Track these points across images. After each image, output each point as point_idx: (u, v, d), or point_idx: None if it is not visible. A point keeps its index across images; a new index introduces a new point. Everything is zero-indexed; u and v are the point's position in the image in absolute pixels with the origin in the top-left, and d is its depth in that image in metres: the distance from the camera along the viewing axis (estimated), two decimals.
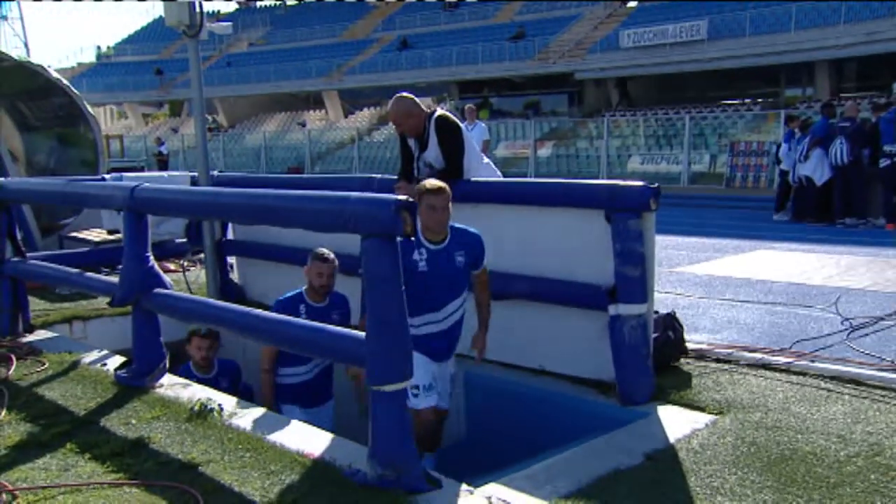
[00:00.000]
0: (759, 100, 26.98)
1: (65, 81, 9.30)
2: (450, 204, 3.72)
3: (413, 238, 3.40)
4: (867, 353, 4.65)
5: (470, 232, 3.90)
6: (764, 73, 26.81)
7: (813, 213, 12.38)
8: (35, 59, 10.71)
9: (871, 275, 7.48)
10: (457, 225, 3.85)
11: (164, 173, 12.45)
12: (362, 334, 3.04)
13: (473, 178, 4.86)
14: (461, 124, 4.98)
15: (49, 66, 9.37)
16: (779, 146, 13.98)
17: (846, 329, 5.30)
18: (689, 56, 26.07)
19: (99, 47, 51.70)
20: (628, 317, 4.00)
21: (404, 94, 4.92)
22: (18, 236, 5.74)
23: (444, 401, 4.08)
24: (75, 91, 9.36)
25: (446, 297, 3.87)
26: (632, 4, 32.40)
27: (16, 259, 5.58)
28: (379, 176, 5.62)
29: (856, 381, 4.11)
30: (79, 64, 49.67)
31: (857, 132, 11.87)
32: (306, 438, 3.48)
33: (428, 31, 37.00)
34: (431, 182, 3.78)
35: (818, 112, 13.50)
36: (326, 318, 4.11)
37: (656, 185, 4.01)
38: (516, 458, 3.54)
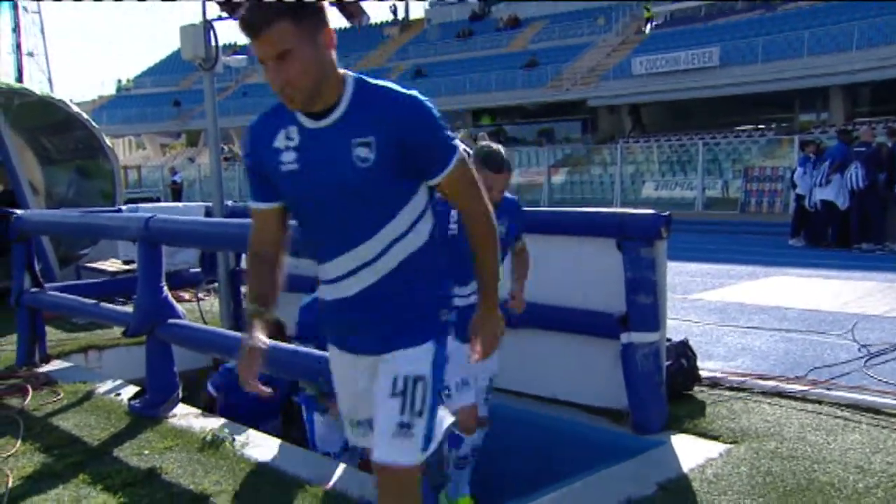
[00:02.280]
0: (773, 125, 26.94)
1: (85, 115, 9.48)
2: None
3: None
4: (885, 381, 4.58)
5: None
6: (778, 98, 26.80)
7: (831, 238, 12.30)
8: (58, 92, 10.94)
9: (888, 301, 7.40)
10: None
11: (179, 204, 12.62)
12: None
13: None
14: (470, 152, 5.01)
15: (70, 101, 9.56)
16: (794, 171, 13.93)
17: (863, 356, 5.22)
18: (702, 82, 26.15)
19: (120, 80, 52.73)
20: (641, 345, 3.98)
21: None
22: (37, 267, 5.83)
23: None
24: (94, 124, 9.54)
25: None
26: (642, 33, 32.61)
27: (34, 290, 5.66)
28: None
29: (874, 410, 4.06)
30: (99, 96, 50.57)
31: (873, 157, 11.82)
32: (318, 468, 3.48)
33: (442, 60, 37.38)
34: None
35: (832, 137, 13.45)
36: None
37: (667, 213, 4.01)
38: (529, 487, 3.51)
